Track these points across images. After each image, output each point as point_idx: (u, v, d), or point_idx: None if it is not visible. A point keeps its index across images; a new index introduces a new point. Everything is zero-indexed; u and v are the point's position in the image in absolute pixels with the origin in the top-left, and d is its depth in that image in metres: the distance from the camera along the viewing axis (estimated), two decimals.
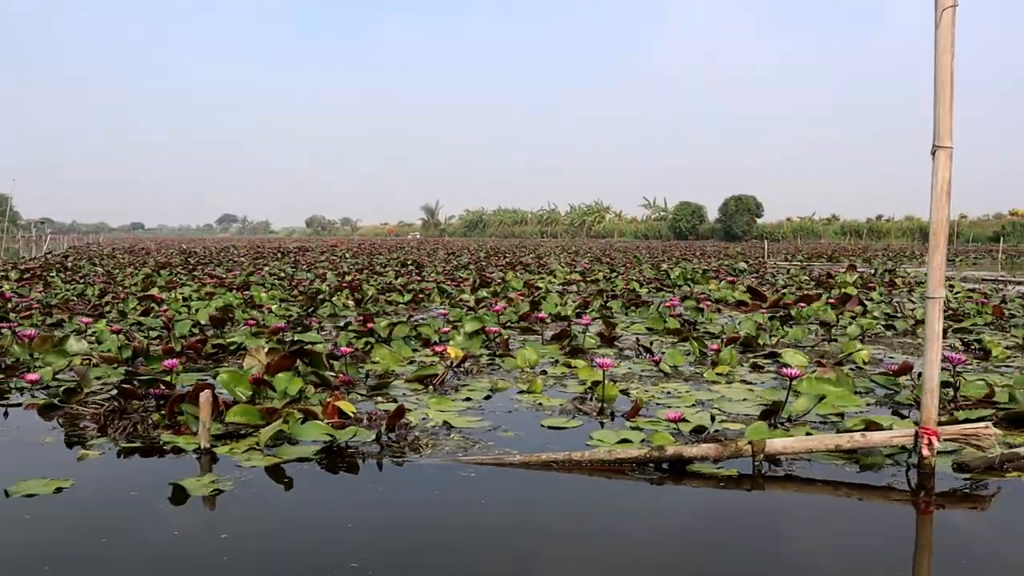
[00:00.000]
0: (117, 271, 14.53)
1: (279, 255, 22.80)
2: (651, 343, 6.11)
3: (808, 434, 3.30)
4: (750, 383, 4.73)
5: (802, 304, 7.89)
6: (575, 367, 5.04)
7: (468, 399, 4.26)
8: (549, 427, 3.72)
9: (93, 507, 2.77)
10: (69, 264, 17.09)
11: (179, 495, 2.78)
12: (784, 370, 3.85)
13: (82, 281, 11.65)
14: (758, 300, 9.53)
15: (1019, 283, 13.46)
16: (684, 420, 3.58)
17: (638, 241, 60.40)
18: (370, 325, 6.15)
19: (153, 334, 6.29)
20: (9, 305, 8.04)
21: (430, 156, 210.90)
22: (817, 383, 3.99)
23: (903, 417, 3.81)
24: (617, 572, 2.32)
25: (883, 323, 7.31)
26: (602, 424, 3.78)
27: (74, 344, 5.21)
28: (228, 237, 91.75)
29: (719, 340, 5.88)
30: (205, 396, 3.25)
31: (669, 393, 4.43)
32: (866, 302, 8.65)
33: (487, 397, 4.34)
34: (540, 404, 4.17)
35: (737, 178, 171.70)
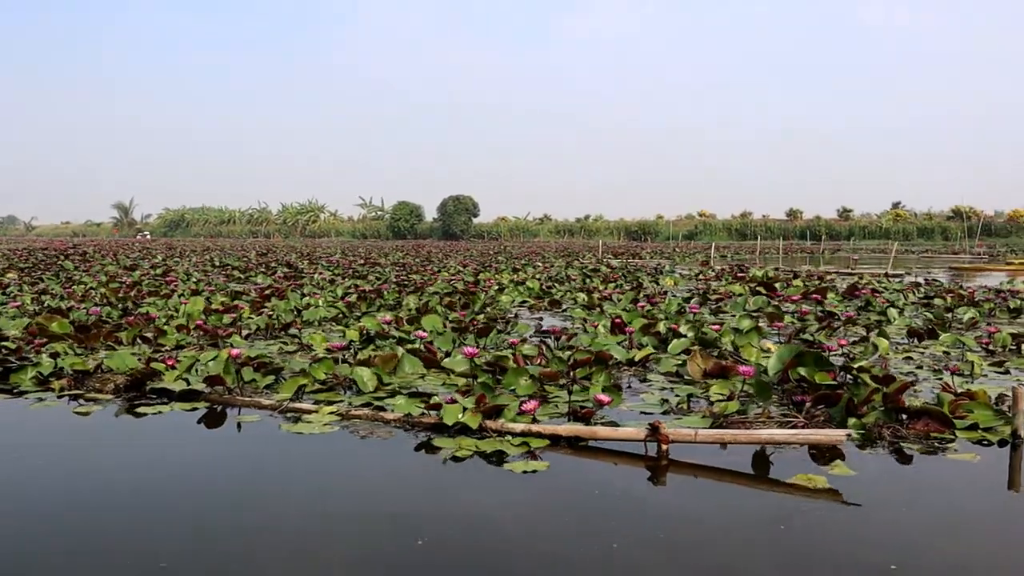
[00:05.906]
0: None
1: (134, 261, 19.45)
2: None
3: None
4: None
5: (862, 293, 9.46)
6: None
7: None
8: None
9: None
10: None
11: None
12: None
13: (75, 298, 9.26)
14: (772, 291, 10.97)
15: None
16: None
17: (356, 240, 60.33)
18: (676, 327, 6.43)
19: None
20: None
21: (117, 149, 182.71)
22: None
23: None
24: None
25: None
26: None
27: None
28: None
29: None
30: (1019, 391, 3.67)
31: None
32: (880, 291, 10.46)
33: None
34: None
35: (450, 178, 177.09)
